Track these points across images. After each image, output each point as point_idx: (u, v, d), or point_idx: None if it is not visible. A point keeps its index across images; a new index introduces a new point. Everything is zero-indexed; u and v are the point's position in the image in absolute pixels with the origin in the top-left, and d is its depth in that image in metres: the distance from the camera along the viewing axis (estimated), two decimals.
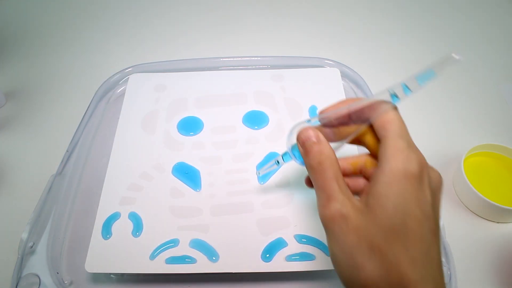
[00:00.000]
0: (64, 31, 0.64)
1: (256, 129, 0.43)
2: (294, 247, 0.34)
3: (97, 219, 0.36)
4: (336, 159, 0.26)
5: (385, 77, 0.55)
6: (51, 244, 0.36)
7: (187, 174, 0.39)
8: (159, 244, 0.34)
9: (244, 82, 0.48)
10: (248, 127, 0.43)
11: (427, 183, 0.24)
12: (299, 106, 0.45)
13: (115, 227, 0.35)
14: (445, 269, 0.33)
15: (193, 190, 0.38)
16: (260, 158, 0.40)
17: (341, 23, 0.64)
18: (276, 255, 0.33)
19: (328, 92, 0.46)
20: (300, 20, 0.65)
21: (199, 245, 0.34)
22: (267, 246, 0.34)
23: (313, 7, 0.67)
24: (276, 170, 0.34)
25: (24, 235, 0.35)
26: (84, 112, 0.46)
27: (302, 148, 0.27)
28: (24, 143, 0.48)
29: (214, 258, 0.33)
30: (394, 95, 0.25)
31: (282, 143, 0.41)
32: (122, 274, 0.35)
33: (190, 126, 0.43)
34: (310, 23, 0.65)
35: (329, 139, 0.27)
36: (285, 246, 0.34)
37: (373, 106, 0.26)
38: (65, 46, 0.61)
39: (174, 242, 0.34)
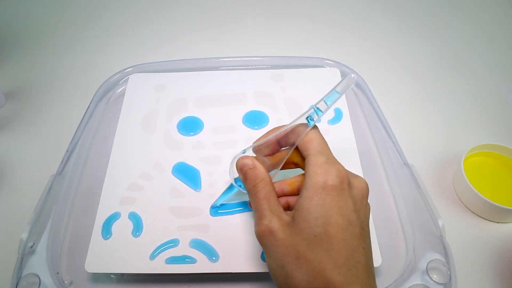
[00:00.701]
0: (64, 31, 0.64)
1: (256, 129, 0.43)
2: None
3: (97, 219, 0.36)
4: (270, 181, 0.29)
5: (385, 77, 0.55)
6: (51, 244, 0.36)
7: (186, 174, 0.39)
8: (159, 244, 0.34)
9: (244, 82, 0.48)
10: (248, 127, 0.43)
11: (348, 192, 0.26)
12: (299, 106, 0.45)
13: (115, 227, 0.35)
14: (445, 269, 0.33)
15: (193, 190, 0.38)
16: None
17: (341, 23, 0.64)
18: None
19: None
20: (300, 20, 0.65)
21: (199, 245, 0.34)
22: None
23: (313, 7, 0.67)
24: (227, 195, 0.35)
25: (24, 235, 0.35)
26: (84, 112, 0.46)
27: (241, 174, 0.30)
28: (24, 143, 0.48)
29: (214, 258, 0.33)
30: (309, 118, 0.30)
31: None
32: (122, 274, 0.35)
33: (190, 126, 0.43)
34: (310, 23, 0.65)
35: (267, 168, 0.30)
36: None
37: (294, 131, 0.30)
38: (65, 46, 0.61)
39: (174, 242, 0.34)
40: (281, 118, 0.44)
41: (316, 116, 0.30)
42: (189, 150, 0.41)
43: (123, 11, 0.68)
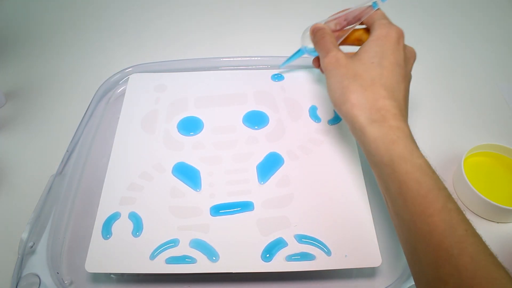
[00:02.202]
0: (65, 31, 0.64)
1: (256, 129, 0.43)
2: (294, 247, 0.33)
3: (97, 219, 0.35)
4: (333, 34, 0.37)
5: None
6: (51, 244, 0.36)
7: (186, 174, 0.39)
8: (159, 244, 0.34)
9: (244, 82, 0.48)
10: (248, 127, 0.43)
11: (403, 46, 0.34)
12: (299, 106, 0.45)
13: (115, 227, 0.35)
14: None
15: (193, 190, 0.38)
16: (260, 158, 0.40)
17: None
18: (276, 255, 0.33)
19: None
20: (300, 20, 0.65)
21: (199, 245, 0.34)
22: (267, 246, 0.34)
23: (313, 7, 0.67)
24: (294, 58, 0.44)
25: (24, 235, 0.35)
26: (84, 112, 0.46)
27: (312, 35, 0.38)
28: (24, 143, 0.48)
29: (214, 258, 0.33)
30: (374, 3, 0.37)
31: (283, 143, 0.41)
32: (122, 274, 0.35)
33: (190, 126, 0.43)
34: (310, 23, 0.64)
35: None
36: (285, 246, 0.34)
37: (361, 11, 0.37)
38: (65, 46, 0.61)
39: (174, 242, 0.34)
40: (282, 118, 0.44)
41: (380, 2, 0.37)
42: (189, 150, 0.41)
43: (123, 11, 0.68)
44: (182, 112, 0.45)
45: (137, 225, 0.35)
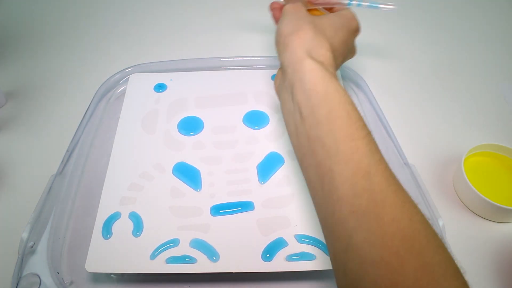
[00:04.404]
0: (64, 31, 0.64)
1: (256, 129, 0.43)
2: (295, 247, 0.34)
3: (97, 219, 0.35)
4: None
5: (385, 77, 0.55)
6: (51, 244, 0.36)
7: (186, 174, 0.39)
8: (159, 244, 0.34)
9: (244, 82, 0.48)
10: (248, 127, 0.43)
11: (354, 39, 0.38)
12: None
13: (115, 227, 0.35)
14: None
15: (193, 190, 0.38)
16: (260, 158, 0.40)
17: None
18: (276, 255, 0.33)
19: None
20: None
21: (199, 245, 0.34)
22: (267, 246, 0.34)
23: None
24: None
25: (24, 235, 0.35)
26: (84, 112, 0.46)
27: None
28: (24, 143, 0.47)
29: (214, 258, 0.33)
30: (350, 3, 0.40)
31: (283, 143, 0.41)
32: (123, 274, 0.35)
33: (190, 126, 0.43)
34: None
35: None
36: (285, 246, 0.34)
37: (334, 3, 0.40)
38: (66, 46, 0.61)
39: (174, 242, 0.34)
40: (281, 118, 0.43)
41: (355, 2, 0.40)
42: (189, 150, 0.41)
43: (123, 11, 0.68)
44: (182, 112, 0.45)
45: (137, 225, 0.35)
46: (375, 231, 0.23)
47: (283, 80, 0.33)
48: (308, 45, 0.31)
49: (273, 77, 0.48)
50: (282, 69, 0.33)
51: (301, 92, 0.30)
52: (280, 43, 0.33)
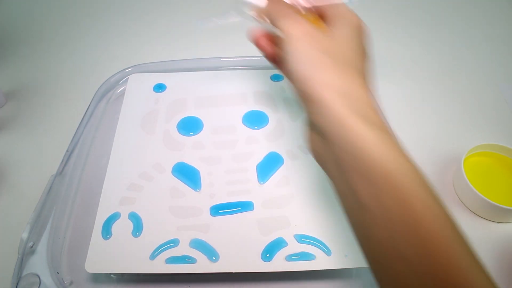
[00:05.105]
0: (65, 31, 0.64)
1: (256, 129, 0.43)
2: (294, 246, 0.34)
3: (97, 219, 0.35)
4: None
5: (385, 77, 0.55)
6: (51, 244, 0.36)
7: (186, 174, 0.39)
8: (159, 244, 0.34)
9: (244, 82, 0.48)
10: (248, 127, 0.43)
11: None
12: (299, 106, 0.45)
13: (115, 227, 0.35)
14: None
15: (193, 190, 0.38)
16: (260, 158, 0.40)
17: None
18: (276, 255, 0.33)
19: None
20: None
21: (199, 245, 0.34)
22: (267, 246, 0.34)
23: None
24: None
25: (24, 235, 0.35)
26: (84, 112, 0.46)
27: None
28: (24, 143, 0.48)
29: (214, 258, 0.33)
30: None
31: (282, 143, 0.41)
32: (122, 274, 0.35)
33: (190, 126, 0.43)
34: None
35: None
36: (285, 246, 0.34)
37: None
38: (65, 46, 0.61)
39: (174, 242, 0.34)
40: (281, 118, 0.44)
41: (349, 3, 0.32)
42: (189, 150, 0.41)
43: (123, 11, 0.68)
44: (181, 112, 0.45)
45: (137, 225, 0.35)
46: None
47: (325, 149, 0.25)
48: (345, 92, 0.24)
49: (273, 77, 0.48)
50: (315, 131, 0.26)
51: (360, 181, 0.22)
52: (300, 91, 0.26)
